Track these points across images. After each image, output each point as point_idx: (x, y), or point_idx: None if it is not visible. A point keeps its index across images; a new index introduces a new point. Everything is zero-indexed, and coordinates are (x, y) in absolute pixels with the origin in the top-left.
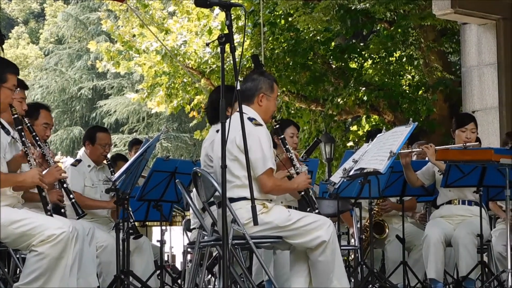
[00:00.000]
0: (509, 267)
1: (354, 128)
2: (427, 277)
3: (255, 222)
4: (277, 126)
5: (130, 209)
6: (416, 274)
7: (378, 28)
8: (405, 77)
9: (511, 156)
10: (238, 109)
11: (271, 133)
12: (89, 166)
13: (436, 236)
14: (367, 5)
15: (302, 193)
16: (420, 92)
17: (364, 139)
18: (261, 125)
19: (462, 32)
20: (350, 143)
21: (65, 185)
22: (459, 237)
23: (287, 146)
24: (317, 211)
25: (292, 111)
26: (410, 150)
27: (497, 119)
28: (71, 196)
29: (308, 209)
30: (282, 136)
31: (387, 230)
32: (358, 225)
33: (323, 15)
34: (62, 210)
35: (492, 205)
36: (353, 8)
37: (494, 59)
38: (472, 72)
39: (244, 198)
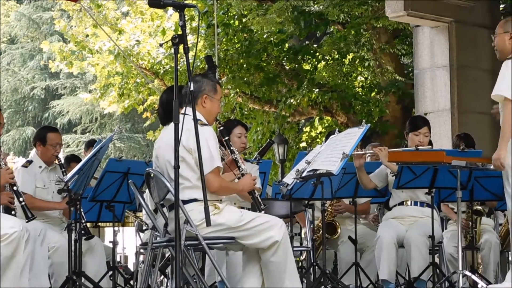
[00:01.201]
0: (460, 268)
1: (307, 129)
2: (379, 278)
3: (208, 223)
4: (221, 128)
5: (81, 209)
6: (368, 275)
7: (331, 29)
8: (358, 78)
9: (462, 158)
10: (185, 110)
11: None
12: (40, 167)
13: (389, 237)
14: (321, 7)
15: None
16: (373, 94)
17: (318, 140)
18: (206, 124)
19: (414, 34)
20: (303, 144)
21: (15, 188)
22: (411, 238)
23: (231, 148)
24: (263, 212)
25: (246, 112)
26: (363, 152)
27: (449, 121)
28: (20, 199)
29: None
30: (227, 138)
31: (339, 230)
32: (311, 226)
33: (277, 16)
34: (13, 212)
35: (444, 207)
36: (307, 10)
37: (446, 61)
38: (424, 74)
39: (195, 200)
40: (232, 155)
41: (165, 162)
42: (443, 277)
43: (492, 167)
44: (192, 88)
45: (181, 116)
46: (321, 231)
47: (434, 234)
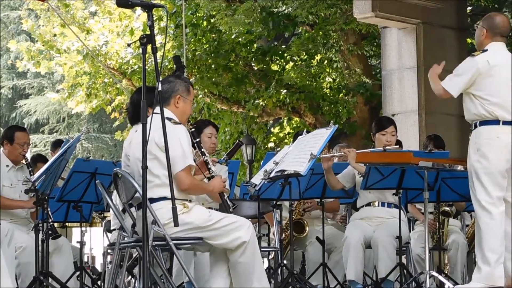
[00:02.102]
0: (427, 268)
1: (276, 130)
2: (346, 278)
3: (176, 224)
4: (193, 129)
5: (49, 209)
6: (335, 275)
7: (299, 30)
8: (326, 79)
9: (429, 159)
10: (156, 110)
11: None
12: (7, 166)
13: (356, 238)
14: (290, 9)
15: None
16: (340, 95)
17: (286, 140)
18: (179, 123)
19: (382, 35)
20: (271, 145)
21: None
22: (378, 239)
23: (202, 150)
24: (232, 214)
25: (214, 113)
26: (332, 154)
27: (416, 122)
28: None
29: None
30: (198, 140)
31: (307, 229)
32: (279, 227)
33: (245, 17)
34: None
35: (411, 208)
36: (275, 11)
37: (413, 62)
38: (392, 75)
39: (165, 198)
40: (203, 156)
41: (136, 161)
42: (410, 277)
43: (459, 168)
44: (160, 88)
45: (153, 116)
46: (289, 232)
47: (401, 235)
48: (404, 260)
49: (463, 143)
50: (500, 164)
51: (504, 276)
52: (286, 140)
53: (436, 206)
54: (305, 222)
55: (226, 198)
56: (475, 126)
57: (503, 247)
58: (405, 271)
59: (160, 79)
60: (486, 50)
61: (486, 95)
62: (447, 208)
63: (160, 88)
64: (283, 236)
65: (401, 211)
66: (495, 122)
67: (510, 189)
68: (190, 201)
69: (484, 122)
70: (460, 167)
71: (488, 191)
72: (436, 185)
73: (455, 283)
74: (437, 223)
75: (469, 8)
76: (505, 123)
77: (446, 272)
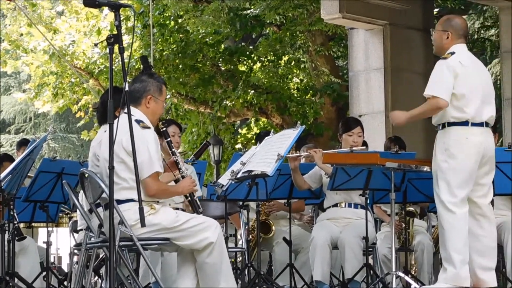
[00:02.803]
0: (393, 269)
1: (243, 131)
2: (313, 279)
3: (143, 224)
4: (164, 129)
5: (15, 210)
6: (302, 276)
7: (267, 31)
8: (293, 80)
9: (396, 160)
10: (125, 111)
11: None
12: None
13: (323, 238)
14: (257, 10)
15: (187, 197)
16: (308, 95)
17: (253, 141)
18: (148, 127)
19: (349, 36)
20: (239, 146)
21: None
22: (345, 239)
23: (173, 150)
24: (200, 215)
25: (181, 113)
26: (298, 154)
27: (383, 123)
28: None
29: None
30: (169, 139)
31: (273, 229)
32: (246, 227)
33: (213, 17)
34: None
35: (376, 209)
36: (243, 14)
37: (380, 64)
38: (359, 76)
39: (131, 200)
40: (173, 156)
41: (105, 161)
42: (376, 278)
43: (425, 169)
44: (127, 88)
45: (122, 116)
46: (255, 233)
47: (368, 236)
48: (370, 261)
49: (429, 144)
50: (469, 164)
51: (470, 276)
52: (253, 141)
53: (402, 207)
54: (271, 222)
55: (196, 199)
56: (443, 127)
57: (467, 247)
58: (371, 271)
59: (128, 79)
60: (454, 52)
61: (457, 97)
62: (411, 208)
63: (127, 88)
64: (250, 237)
65: (368, 212)
66: (464, 123)
67: (477, 190)
68: (157, 202)
69: (453, 123)
70: (426, 168)
71: (453, 192)
72: (403, 186)
73: (422, 284)
74: (403, 224)
75: (435, 9)
76: (474, 124)
77: (413, 272)
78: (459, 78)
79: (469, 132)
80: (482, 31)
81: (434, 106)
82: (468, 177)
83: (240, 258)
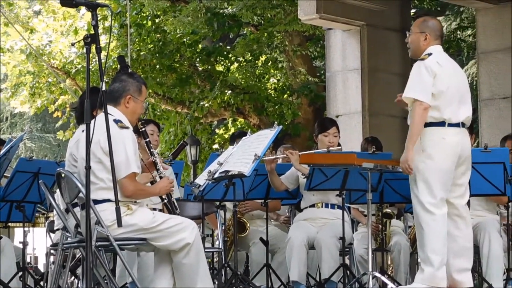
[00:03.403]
0: (370, 269)
1: (220, 131)
2: (290, 279)
3: (119, 224)
4: (143, 129)
5: None
6: (279, 276)
7: (244, 31)
8: (270, 80)
9: (373, 160)
10: (105, 110)
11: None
12: None
13: (299, 239)
14: (234, 9)
15: (164, 198)
16: (285, 96)
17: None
18: (127, 128)
19: (327, 37)
20: (216, 146)
21: None
22: (321, 240)
23: (151, 150)
24: (177, 215)
25: (158, 113)
26: (275, 156)
27: (360, 123)
28: None
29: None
30: (148, 140)
31: (247, 228)
32: (223, 228)
33: (190, 18)
34: None
35: (354, 211)
36: (220, 12)
37: (357, 64)
38: (336, 77)
39: (108, 200)
40: (152, 157)
41: (82, 161)
42: (353, 278)
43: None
44: (104, 88)
45: (100, 116)
46: (232, 232)
47: (344, 236)
48: (347, 261)
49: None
50: (446, 165)
51: (446, 277)
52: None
53: (379, 207)
54: (245, 221)
55: (174, 200)
56: None
57: (446, 248)
58: (348, 272)
59: (105, 79)
60: (431, 53)
61: (435, 98)
62: (389, 210)
63: (104, 88)
64: (227, 238)
65: (345, 212)
66: (441, 124)
67: (454, 190)
68: (135, 202)
69: (430, 124)
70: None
71: (432, 192)
72: (379, 186)
73: (398, 284)
74: (380, 225)
75: (412, 10)
76: (451, 125)
77: (389, 273)
78: (437, 78)
79: (445, 133)
80: (458, 32)
81: (421, 111)
82: (446, 178)
83: (217, 258)
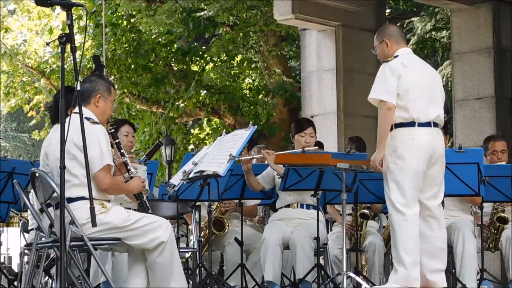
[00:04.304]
0: (344, 269)
1: (195, 131)
2: (264, 279)
3: (94, 224)
4: (113, 130)
5: None
6: (254, 276)
7: (220, 31)
8: (245, 81)
9: (347, 161)
10: (76, 110)
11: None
12: None
13: (274, 239)
14: (211, 12)
15: (137, 198)
16: (260, 96)
17: (206, 141)
18: (98, 123)
19: (302, 37)
20: (191, 146)
21: None
22: (296, 240)
23: (122, 151)
24: (152, 214)
25: (133, 113)
26: (251, 157)
27: (335, 124)
28: None
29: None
30: (118, 141)
31: (226, 226)
32: (197, 227)
33: (165, 17)
34: None
35: (330, 209)
36: (197, 15)
37: (333, 64)
38: (311, 77)
39: (83, 198)
40: (122, 157)
41: (55, 160)
42: (327, 278)
43: None
44: (79, 88)
45: (72, 115)
46: (207, 230)
47: (319, 236)
48: (321, 261)
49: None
50: (417, 165)
51: (420, 277)
52: (206, 141)
53: (354, 207)
54: (225, 220)
55: (145, 199)
56: (391, 129)
57: (418, 248)
58: (322, 272)
59: (80, 79)
60: (397, 56)
61: (402, 98)
62: (366, 211)
63: (79, 88)
64: (202, 234)
65: (319, 212)
66: (411, 124)
67: (426, 191)
68: (108, 201)
69: (400, 125)
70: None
71: (403, 193)
72: (354, 187)
73: (372, 284)
74: (355, 225)
75: (387, 11)
76: (421, 124)
77: (364, 273)
78: (402, 78)
79: (415, 133)
80: (433, 33)
81: (385, 111)
82: (417, 178)
83: (192, 258)
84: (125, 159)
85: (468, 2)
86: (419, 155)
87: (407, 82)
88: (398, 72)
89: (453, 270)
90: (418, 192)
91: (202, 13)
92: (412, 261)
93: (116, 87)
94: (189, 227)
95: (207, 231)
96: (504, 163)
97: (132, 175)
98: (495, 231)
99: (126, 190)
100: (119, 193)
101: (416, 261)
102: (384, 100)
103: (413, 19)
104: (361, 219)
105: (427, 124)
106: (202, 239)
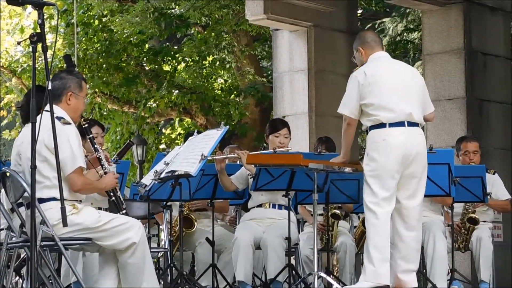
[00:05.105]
0: (315, 270)
1: (167, 131)
2: (236, 279)
3: (64, 224)
4: (86, 125)
5: None
6: (225, 276)
7: (192, 31)
8: (217, 81)
9: (319, 161)
10: (48, 108)
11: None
12: None
13: (246, 239)
14: (182, 10)
15: (111, 194)
16: (232, 96)
17: (177, 141)
18: (69, 123)
19: (274, 37)
20: (163, 146)
21: None
22: (267, 240)
23: (95, 146)
24: (124, 211)
25: (105, 113)
26: (224, 157)
27: (306, 124)
28: None
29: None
30: (91, 136)
31: (195, 224)
32: (168, 228)
33: (138, 17)
34: None
35: (301, 209)
36: (168, 12)
37: (304, 65)
38: (283, 77)
39: (54, 199)
40: (96, 153)
41: (27, 160)
42: (299, 278)
43: (347, 170)
44: (50, 87)
45: (43, 114)
46: (178, 229)
47: (290, 236)
48: (293, 261)
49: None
50: (388, 165)
51: (392, 276)
52: (177, 141)
53: (325, 208)
54: (193, 217)
55: (119, 195)
56: (367, 132)
57: (388, 246)
58: (294, 272)
59: (51, 78)
60: (364, 63)
61: (370, 102)
62: (337, 211)
63: (50, 87)
64: (172, 232)
65: (291, 213)
66: (382, 125)
67: (403, 189)
68: (80, 201)
69: (373, 127)
70: (348, 169)
71: (373, 192)
72: (326, 187)
73: (343, 284)
74: (326, 225)
75: (359, 11)
76: (392, 125)
77: (335, 273)
78: (364, 87)
79: (387, 133)
80: (405, 34)
81: (345, 125)
82: (389, 178)
83: (163, 258)
84: (99, 154)
85: (439, 3)
86: (390, 156)
87: (372, 87)
88: (359, 82)
89: (424, 270)
90: (393, 191)
91: (173, 10)
92: (381, 258)
93: (87, 86)
94: (160, 227)
95: (177, 229)
96: (476, 164)
97: (106, 170)
98: (466, 232)
99: (100, 188)
100: (92, 192)
101: (386, 258)
102: (344, 114)
103: (384, 20)
104: (332, 219)
105: (400, 124)
106: (173, 239)
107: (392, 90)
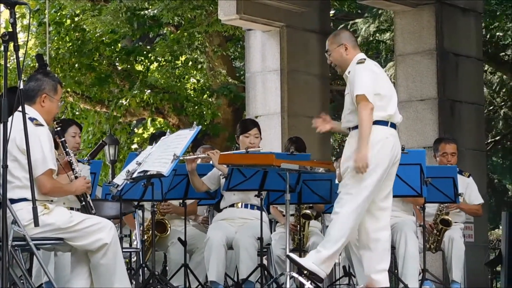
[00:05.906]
0: (287, 270)
1: (139, 130)
2: (208, 279)
3: (36, 224)
4: (59, 128)
5: None
6: (197, 276)
7: (165, 31)
8: (190, 81)
9: (291, 161)
10: (19, 109)
11: (52, 135)
12: None
13: (218, 239)
14: (155, 11)
15: (81, 198)
16: (205, 96)
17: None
18: (42, 125)
19: (246, 38)
20: (135, 145)
21: None
22: (240, 240)
23: (67, 150)
24: (95, 215)
25: (77, 112)
26: (195, 157)
27: (279, 124)
28: None
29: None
30: (63, 139)
31: (168, 228)
32: (141, 228)
33: (111, 17)
34: None
35: (273, 210)
36: (142, 13)
37: (277, 65)
38: (256, 77)
39: (25, 199)
40: (67, 157)
41: None
42: (271, 278)
43: (320, 170)
44: (21, 87)
45: (16, 114)
46: (150, 232)
47: (262, 236)
48: (265, 261)
49: (324, 146)
50: (385, 164)
51: (364, 276)
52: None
53: (297, 208)
54: (167, 221)
55: (89, 200)
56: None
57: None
58: (266, 272)
59: (23, 78)
60: (364, 58)
61: (383, 93)
62: (308, 211)
63: (21, 87)
64: (145, 237)
65: (263, 213)
66: (385, 123)
67: (381, 190)
68: (51, 201)
69: (377, 122)
70: (321, 169)
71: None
72: (298, 187)
73: (316, 284)
74: (298, 225)
75: (331, 12)
76: (392, 125)
77: (307, 273)
78: (379, 79)
79: (390, 133)
80: (377, 35)
81: (369, 112)
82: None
83: (135, 258)
84: (70, 158)
85: (411, 4)
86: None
87: (383, 84)
88: (375, 72)
89: (395, 270)
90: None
91: (146, 12)
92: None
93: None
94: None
95: (150, 233)
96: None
97: (76, 174)
98: (437, 233)
99: (69, 192)
100: (61, 195)
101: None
102: (365, 95)
103: (357, 20)
104: (303, 220)
105: (395, 126)
106: (146, 243)
107: (393, 92)
